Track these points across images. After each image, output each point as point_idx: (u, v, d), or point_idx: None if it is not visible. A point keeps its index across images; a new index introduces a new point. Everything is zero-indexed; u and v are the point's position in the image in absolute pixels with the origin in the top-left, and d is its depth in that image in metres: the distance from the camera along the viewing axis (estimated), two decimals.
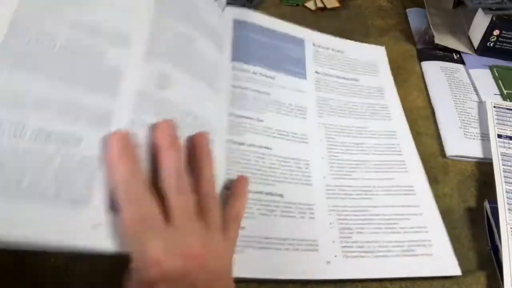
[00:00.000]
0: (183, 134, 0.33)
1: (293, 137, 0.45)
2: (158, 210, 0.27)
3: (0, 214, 0.26)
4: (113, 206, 0.28)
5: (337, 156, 0.44)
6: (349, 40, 0.57)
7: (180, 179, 0.29)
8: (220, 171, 0.38)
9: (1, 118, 0.27)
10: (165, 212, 0.28)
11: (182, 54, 0.37)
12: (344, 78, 0.52)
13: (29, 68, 0.29)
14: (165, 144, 0.30)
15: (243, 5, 0.60)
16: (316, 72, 0.51)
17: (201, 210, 0.30)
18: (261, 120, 0.44)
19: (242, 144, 0.42)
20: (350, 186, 0.42)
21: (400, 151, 0.46)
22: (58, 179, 0.27)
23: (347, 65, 0.54)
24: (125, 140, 0.29)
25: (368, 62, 0.55)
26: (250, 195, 0.39)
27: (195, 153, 0.32)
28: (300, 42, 0.53)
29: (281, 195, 0.40)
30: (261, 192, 0.40)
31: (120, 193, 0.28)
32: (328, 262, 0.37)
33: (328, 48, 0.55)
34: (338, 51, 0.55)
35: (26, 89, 0.28)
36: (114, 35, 0.34)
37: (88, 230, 0.27)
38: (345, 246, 0.38)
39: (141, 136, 0.31)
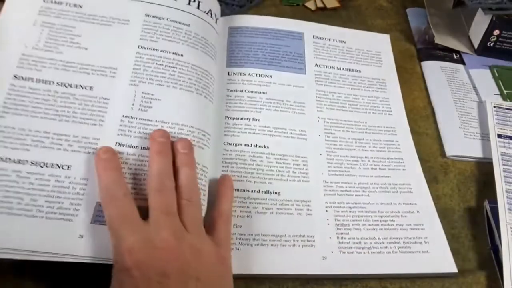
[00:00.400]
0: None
1: (291, 133, 0.45)
2: (136, 210, 0.31)
3: (4, 227, 0.32)
4: (97, 219, 0.33)
5: (335, 152, 0.44)
6: (352, 29, 0.57)
7: (161, 181, 0.33)
8: (216, 174, 0.40)
9: (7, 154, 0.35)
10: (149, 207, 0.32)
11: (166, 71, 0.42)
12: (345, 69, 0.52)
13: (28, 112, 0.37)
14: (153, 150, 0.35)
15: (243, 5, 0.60)
16: (316, 65, 0.51)
17: (179, 212, 0.32)
18: (258, 120, 0.45)
19: (238, 145, 0.43)
20: (348, 183, 0.42)
21: (399, 148, 0.46)
22: (51, 199, 0.34)
23: (348, 56, 0.53)
24: (110, 153, 0.35)
25: (371, 51, 0.55)
26: (247, 194, 0.40)
27: (175, 158, 0.35)
28: (299, 37, 0.54)
29: (278, 193, 0.40)
30: (258, 191, 0.40)
31: (103, 196, 0.32)
32: (325, 258, 0.37)
33: (329, 39, 0.54)
34: (339, 41, 0.55)
35: (25, 130, 0.36)
36: (103, 68, 0.41)
37: (75, 240, 0.33)
38: (341, 242, 0.38)
39: (126, 156, 0.36)
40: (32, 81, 0.39)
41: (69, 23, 0.42)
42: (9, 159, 0.35)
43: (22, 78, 0.39)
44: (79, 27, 0.42)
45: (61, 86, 0.39)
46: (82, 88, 0.39)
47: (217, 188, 0.37)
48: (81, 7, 0.43)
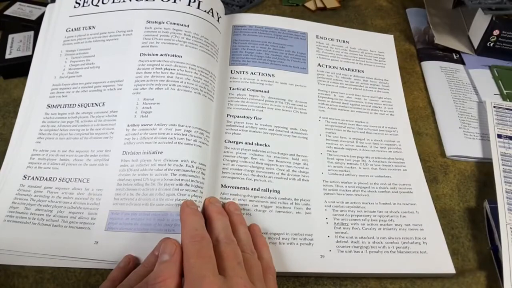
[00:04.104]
0: (167, 143, 0.39)
1: (292, 132, 0.45)
2: (214, 255, 0.32)
3: (37, 236, 0.36)
4: (110, 227, 0.36)
5: (335, 152, 0.44)
6: (356, 30, 0.57)
7: (228, 234, 0.34)
8: (216, 171, 0.41)
9: (41, 174, 0.39)
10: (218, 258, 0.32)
11: (165, 74, 0.43)
12: (348, 69, 0.52)
13: (57, 135, 0.41)
14: (214, 211, 0.36)
15: (243, 5, 0.60)
16: (319, 65, 0.51)
17: (245, 265, 0.32)
18: (259, 118, 0.45)
19: (239, 143, 0.43)
20: (348, 183, 0.42)
21: (400, 148, 0.46)
22: (74, 210, 0.37)
23: (352, 56, 0.53)
24: (194, 205, 0.36)
25: (375, 52, 0.55)
26: (247, 192, 0.40)
27: (230, 219, 0.37)
28: (303, 36, 0.54)
29: (278, 191, 0.40)
30: (257, 189, 0.40)
31: (191, 234, 0.33)
32: (322, 256, 0.37)
33: (332, 39, 0.54)
34: (343, 41, 0.55)
35: (55, 151, 0.40)
36: (112, 82, 0.43)
37: (91, 246, 0.36)
38: (339, 241, 0.38)
39: (130, 163, 0.39)
40: (60, 107, 0.43)
41: (85, 46, 0.45)
42: (43, 177, 0.39)
43: (53, 106, 0.43)
44: (93, 48, 0.45)
45: (81, 107, 0.42)
46: (97, 105, 0.42)
47: (253, 239, 0.36)
48: (94, 28, 0.46)
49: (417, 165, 0.45)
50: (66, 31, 0.47)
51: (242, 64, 0.49)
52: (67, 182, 0.39)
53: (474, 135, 0.48)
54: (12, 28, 0.53)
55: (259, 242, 0.36)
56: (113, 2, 0.47)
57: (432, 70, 0.55)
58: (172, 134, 0.39)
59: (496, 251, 0.39)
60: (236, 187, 0.40)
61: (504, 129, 0.47)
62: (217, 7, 0.50)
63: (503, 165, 0.44)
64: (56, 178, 0.39)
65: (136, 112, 0.41)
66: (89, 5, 0.48)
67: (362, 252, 0.38)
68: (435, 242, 0.39)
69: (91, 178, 0.39)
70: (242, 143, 0.43)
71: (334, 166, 0.43)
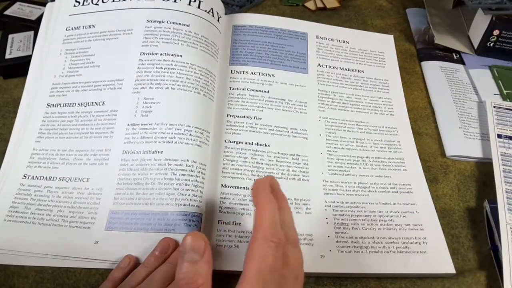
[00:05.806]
0: (168, 142, 0.39)
1: (292, 132, 0.45)
2: None
3: (37, 236, 0.36)
4: (109, 226, 0.36)
5: (336, 152, 0.44)
6: (356, 30, 0.57)
7: (275, 229, 0.29)
8: (216, 171, 0.41)
9: (41, 173, 0.39)
10: None
11: (165, 73, 0.43)
12: (348, 69, 0.52)
13: (57, 134, 0.41)
14: (263, 199, 0.30)
15: (243, 5, 0.60)
16: (319, 65, 0.51)
17: (285, 260, 0.29)
18: (259, 118, 0.45)
19: (239, 143, 0.43)
20: (348, 182, 0.42)
21: (400, 148, 0.46)
22: (74, 210, 0.37)
23: (352, 56, 0.53)
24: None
25: (375, 52, 0.55)
26: (247, 192, 0.40)
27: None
28: (303, 36, 0.54)
29: None
30: None
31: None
32: (322, 256, 0.37)
33: (332, 39, 0.54)
34: (343, 41, 0.55)
35: (55, 150, 0.40)
36: (112, 82, 0.43)
37: (91, 246, 0.36)
38: (339, 241, 0.38)
39: (130, 162, 0.39)
40: (60, 106, 0.43)
41: (85, 45, 0.45)
42: (43, 177, 0.39)
43: (53, 105, 0.43)
44: (93, 47, 0.45)
45: (81, 106, 0.42)
46: (97, 104, 0.42)
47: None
48: (94, 26, 0.46)
49: (417, 165, 0.45)
50: (66, 30, 0.47)
51: (242, 64, 0.49)
52: (67, 181, 0.39)
53: (474, 135, 0.48)
54: (12, 28, 0.53)
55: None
56: (113, 1, 0.47)
57: (432, 70, 0.55)
58: (172, 133, 0.39)
59: (496, 251, 0.39)
60: (236, 187, 0.40)
61: (504, 129, 0.47)
62: (217, 7, 0.50)
63: (503, 165, 0.44)
64: (56, 178, 0.39)
65: (136, 112, 0.41)
66: (89, 4, 0.48)
67: (362, 252, 0.38)
68: (435, 242, 0.39)
69: (91, 177, 0.39)
70: (242, 143, 0.43)
71: (334, 166, 0.43)
